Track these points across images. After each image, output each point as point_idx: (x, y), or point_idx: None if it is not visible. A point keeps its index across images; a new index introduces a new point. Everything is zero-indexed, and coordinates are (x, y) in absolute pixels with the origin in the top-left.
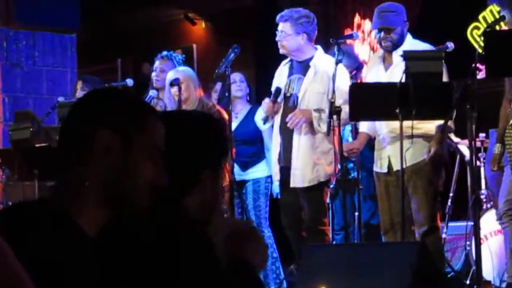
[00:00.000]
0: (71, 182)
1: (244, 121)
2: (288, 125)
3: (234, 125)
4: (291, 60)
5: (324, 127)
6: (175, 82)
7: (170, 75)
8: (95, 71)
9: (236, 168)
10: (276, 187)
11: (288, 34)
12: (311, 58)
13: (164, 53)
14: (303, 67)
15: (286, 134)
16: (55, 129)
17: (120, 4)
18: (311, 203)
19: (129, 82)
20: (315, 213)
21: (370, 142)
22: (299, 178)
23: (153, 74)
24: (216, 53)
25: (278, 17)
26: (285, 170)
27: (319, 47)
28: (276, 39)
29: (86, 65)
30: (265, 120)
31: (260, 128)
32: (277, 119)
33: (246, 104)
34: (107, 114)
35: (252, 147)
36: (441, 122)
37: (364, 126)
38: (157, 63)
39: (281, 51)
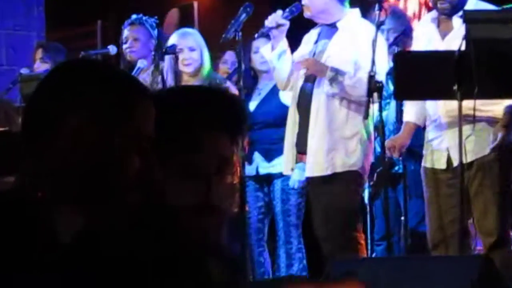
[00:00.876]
0: (34, 175)
1: (266, 98)
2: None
3: (253, 105)
4: (321, 26)
5: (336, 88)
6: (170, 50)
7: (172, 39)
8: (68, 36)
9: (259, 157)
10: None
11: None
12: (339, 21)
13: (133, 17)
14: (330, 30)
15: (305, 111)
16: (17, 109)
17: None
18: (329, 198)
19: (112, 49)
20: (327, 213)
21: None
22: (311, 166)
23: (125, 45)
24: (222, 13)
25: None
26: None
27: (356, 9)
28: None
29: (57, 28)
30: (261, 33)
31: (288, 103)
32: (295, 92)
33: (272, 79)
34: (83, 93)
35: (277, 131)
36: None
37: (410, 113)
38: (126, 32)
39: (305, 13)
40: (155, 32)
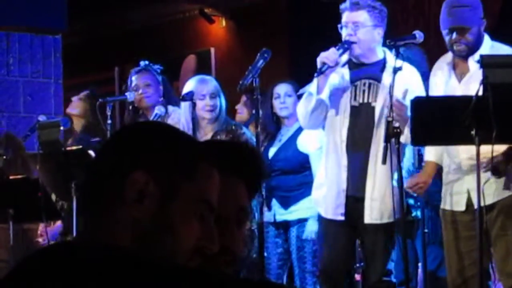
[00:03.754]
0: (97, 234)
1: (286, 145)
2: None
3: (273, 151)
4: (347, 63)
5: (408, 137)
6: (187, 96)
7: (192, 85)
8: (86, 83)
9: (276, 204)
10: (311, 225)
11: (364, 26)
12: (383, 60)
13: (142, 64)
14: (373, 70)
15: (358, 154)
16: (35, 157)
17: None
18: (387, 246)
19: (129, 96)
20: (385, 260)
21: (438, 171)
22: (377, 212)
23: (136, 93)
24: (239, 59)
25: (348, 4)
26: (351, 202)
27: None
28: (347, 32)
29: (75, 74)
30: (320, 71)
31: (305, 150)
32: (339, 134)
33: (293, 125)
34: (147, 152)
35: (295, 177)
36: None
37: (431, 153)
38: (134, 80)
39: (356, 50)
40: (160, 79)
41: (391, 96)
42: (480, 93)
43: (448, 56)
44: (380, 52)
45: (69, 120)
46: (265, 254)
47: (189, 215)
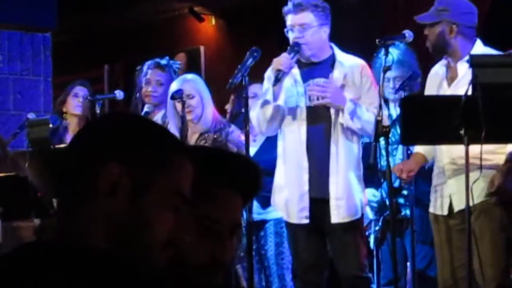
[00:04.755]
0: (71, 230)
1: (265, 146)
2: (309, 92)
3: (252, 151)
4: (296, 63)
5: (358, 123)
6: (177, 95)
7: (174, 86)
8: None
9: (254, 204)
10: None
11: (311, 26)
12: (331, 57)
13: (163, 62)
14: (323, 68)
15: (319, 154)
16: (24, 155)
17: None
18: (355, 242)
19: (118, 94)
20: (354, 255)
21: (429, 173)
22: (344, 211)
23: (148, 88)
24: (229, 58)
25: (291, 6)
26: (316, 203)
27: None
28: (295, 35)
29: (65, 72)
30: (276, 79)
31: None
32: (298, 136)
33: None
34: (120, 144)
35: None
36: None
37: (419, 147)
38: (150, 74)
39: (306, 51)
40: (175, 77)
41: (380, 96)
42: (470, 92)
43: (444, 60)
44: (328, 50)
45: (58, 118)
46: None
47: (162, 207)
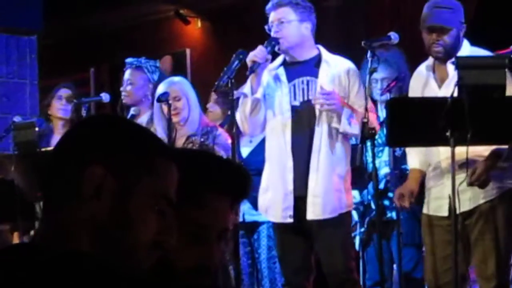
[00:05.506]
0: (55, 232)
1: (259, 146)
2: (314, 101)
3: (246, 152)
4: (282, 64)
5: (355, 129)
6: (163, 98)
7: (160, 88)
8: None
9: (246, 204)
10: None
11: (289, 21)
12: (317, 57)
13: (130, 60)
14: (308, 67)
15: (303, 154)
16: (10, 158)
17: (93, 0)
18: (335, 241)
19: (105, 97)
20: (340, 256)
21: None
22: (320, 208)
23: (122, 88)
24: (215, 60)
25: (270, 5)
26: (299, 202)
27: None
28: (273, 30)
29: (50, 75)
30: (251, 70)
31: None
32: (282, 136)
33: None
34: (104, 146)
35: None
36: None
37: (414, 160)
38: (126, 75)
39: (282, 45)
40: (155, 76)
41: (366, 98)
42: (456, 94)
43: (429, 60)
44: (314, 49)
45: (44, 121)
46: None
47: (147, 210)
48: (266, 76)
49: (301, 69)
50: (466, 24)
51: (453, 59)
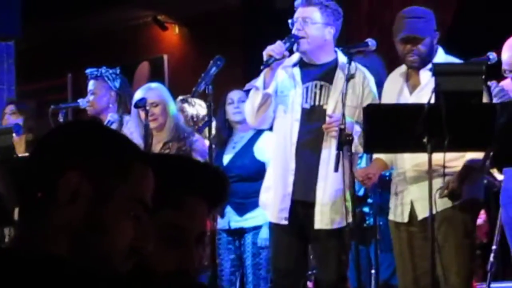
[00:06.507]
0: (31, 238)
1: (241, 151)
2: (324, 127)
3: (228, 158)
4: (298, 63)
5: (361, 147)
6: (140, 103)
7: (138, 94)
8: (39, 90)
9: (231, 211)
10: (264, 233)
11: (314, 22)
12: (335, 61)
13: (88, 70)
14: (324, 72)
15: (308, 158)
16: None
17: (70, 6)
18: (339, 252)
19: (82, 103)
20: (337, 264)
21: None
22: (328, 218)
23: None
24: (192, 66)
25: (300, 0)
26: (300, 207)
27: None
28: (296, 27)
29: (28, 81)
30: (266, 63)
31: (261, 158)
32: (289, 137)
33: (248, 131)
34: (80, 152)
35: (250, 185)
36: (474, 155)
37: (380, 155)
38: (90, 85)
39: (302, 45)
40: (116, 84)
41: (343, 104)
42: (433, 101)
43: (402, 67)
44: (332, 53)
45: (21, 127)
46: (217, 260)
47: (123, 215)
48: (281, 73)
49: (317, 73)
50: (444, 32)
51: (426, 67)
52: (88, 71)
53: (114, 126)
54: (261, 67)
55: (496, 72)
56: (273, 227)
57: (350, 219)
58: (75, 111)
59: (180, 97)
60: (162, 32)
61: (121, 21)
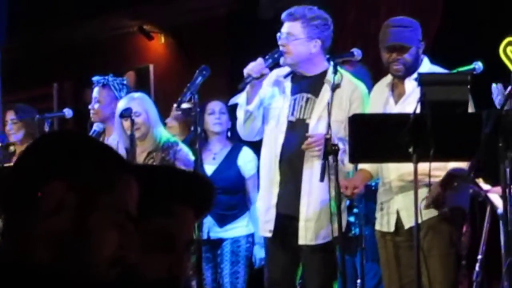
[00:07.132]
0: (16, 247)
1: (224, 164)
2: (304, 147)
3: (210, 169)
4: (291, 73)
5: (349, 166)
6: (126, 113)
7: (122, 104)
8: (25, 99)
9: (211, 222)
10: (258, 251)
11: (297, 38)
12: (324, 73)
13: (96, 78)
14: (312, 84)
15: (291, 171)
16: None
17: (56, 15)
18: (324, 267)
19: (67, 112)
20: (323, 278)
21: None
22: (312, 233)
23: (90, 106)
24: (178, 76)
25: (284, 14)
26: (285, 220)
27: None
28: (280, 42)
29: (13, 91)
30: (244, 82)
31: (244, 174)
32: (274, 149)
33: (227, 143)
34: (65, 162)
35: (233, 198)
36: (459, 164)
37: (364, 165)
38: (94, 92)
39: (286, 59)
40: (122, 94)
41: (329, 114)
42: (418, 110)
43: (388, 77)
44: (322, 65)
45: (6, 136)
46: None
47: (107, 225)
48: (271, 86)
49: (305, 85)
50: (429, 42)
51: (411, 76)
52: (94, 78)
53: (100, 136)
54: (239, 86)
55: (482, 81)
56: (265, 239)
57: (336, 232)
58: (60, 120)
59: (175, 105)
60: (148, 41)
61: (107, 31)
